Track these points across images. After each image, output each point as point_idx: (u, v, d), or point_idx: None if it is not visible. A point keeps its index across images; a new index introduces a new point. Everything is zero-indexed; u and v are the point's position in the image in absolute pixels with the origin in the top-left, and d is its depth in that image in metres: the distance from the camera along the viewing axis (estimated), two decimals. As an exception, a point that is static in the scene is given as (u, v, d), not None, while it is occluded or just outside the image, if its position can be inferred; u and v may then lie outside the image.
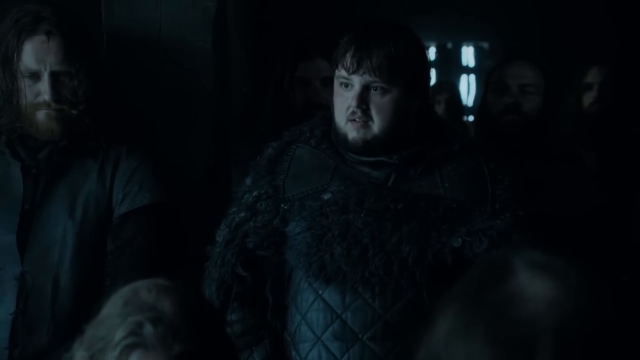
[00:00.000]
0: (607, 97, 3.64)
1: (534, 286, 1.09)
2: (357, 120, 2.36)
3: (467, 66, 7.20)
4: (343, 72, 2.37)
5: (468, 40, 7.17)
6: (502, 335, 1.07)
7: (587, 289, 1.10)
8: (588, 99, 3.65)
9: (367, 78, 2.35)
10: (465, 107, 5.34)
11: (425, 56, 2.46)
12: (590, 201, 3.18)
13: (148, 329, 1.41)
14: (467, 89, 7.01)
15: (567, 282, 1.10)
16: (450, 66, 6.96)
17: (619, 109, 3.62)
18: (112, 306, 1.46)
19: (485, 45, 7.11)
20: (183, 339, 1.42)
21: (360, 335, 2.33)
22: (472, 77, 7.09)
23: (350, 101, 2.36)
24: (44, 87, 2.57)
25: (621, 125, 3.58)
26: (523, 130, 3.26)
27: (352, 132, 2.38)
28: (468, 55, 7.24)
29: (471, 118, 4.45)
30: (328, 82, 3.09)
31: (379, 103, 2.36)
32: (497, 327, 1.08)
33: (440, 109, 4.77)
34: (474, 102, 6.07)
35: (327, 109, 2.80)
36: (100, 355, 1.43)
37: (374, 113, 2.36)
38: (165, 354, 1.41)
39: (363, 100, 2.35)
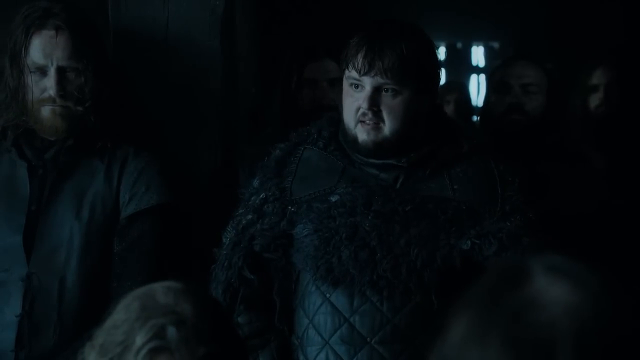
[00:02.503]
0: (614, 99, 3.62)
1: (552, 291, 1.07)
2: (367, 122, 2.34)
3: (477, 66, 7.19)
4: (354, 73, 2.34)
5: (478, 40, 7.16)
6: (520, 341, 1.04)
7: (607, 293, 1.08)
8: (594, 100, 3.63)
9: (379, 80, 2.32)
10: (475, 107, 5.31)
11: (436, 56, 2.44)
12: (595, 199, 3.16)
13: (172, 332, 1.40)
14: (477, 89, 6.99)
15: (587, 286, 1.07)
16: (460, 66, 6.94)
17: (625, 111, 3.59)
18: (127, 310, 1.45)
19: (495, 45, 7.09)
20: (206, 340, 1.41)
21: (368, 339, 2.30)
22: (482, 77, 7.07)
23: (360, 102, 2.34)
24: (49, 82, 2.55)
25: (628, 127, 3.55)
26: (526, 130, 3.24)
27: (362, 134, 2.35)
28: (478, 55, 7.22)
29: (478, 118, 4.43)
30: (336, 83, 3.08)
31: (390, 105, 2.33)
32: (514, 332, 1.05)
33: (449, 109, 4.74)
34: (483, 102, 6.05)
35: (335, 110, 2.78)
36: None
37: (385, 115, 2.34)
38: (190, 356, 1.39)
39: (374, 102, 2.33)
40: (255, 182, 2.48)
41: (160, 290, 1.45)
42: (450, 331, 1.10)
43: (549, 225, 2.39)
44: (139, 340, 1.39)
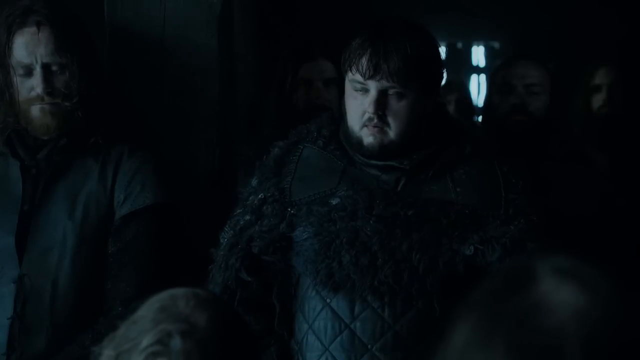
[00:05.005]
0: (617, 99, 3.59)
1: (559, 293, 1.03)
2: (373, 126, 2.29)
3: (477, 66, 7.18)
4: (358, 77, 2.29)
5: (478, 40, 7.15)
6: (525, 346, 1.00)
7: (616, 296, 1.04)
8: (597, 101, 3.61)
9: (384, 83, 2.28)
10: (476, 107, 5.29)
11: (439, 55, 2.39)
12: (598, 202, 3.13)
13: (176, 341, 1.38)
14: (478, 89, 6.98)
15: (595, 289, 1.04)
16: (461, 66, 6.92)
17: (628, 111, 3.57)
18: (148, 309, 1.44)
19: (496, 44, 7.08)
20: (210, 357, 1.38)
21: (369, 346, 2.26)
22: (483, 77, 7.06)
23: (366, 107, 2.29)
24: (36, 80, 2.53)
25: (631, 128, 3.53)
26: (530, 131, 3.22)
27: (368, 137, 2.31)
28: (478, 55, 7.21)
29: (480, 119, 4.41)
30: (331, 83, 3.06)
31: (396, 108, 2.29)
32: (520, 337, 1.01)
33: (450, 109, 4.70)
34: (484, 102, 6.06)
35: (330, 110, 2.73)
36: (125, 356, 1.41)
37: (390, 118, 2.30)
38: None
39: (380, 106, 2.29)
40: (254, 182, 2.44)
41: (184, 296, 1.43)
42: (453, 336, 1.06)
43: (552, 226, 2.35)
44: (145, 341, 1.38)
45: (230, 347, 1.41)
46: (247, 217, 2.38)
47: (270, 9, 4.26)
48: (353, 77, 2.30)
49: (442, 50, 2.42)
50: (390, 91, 2.28)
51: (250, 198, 2.41)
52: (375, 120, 2.29)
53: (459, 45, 7.11)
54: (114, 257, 2.55)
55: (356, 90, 2.31)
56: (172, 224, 2.64)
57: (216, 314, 1.42)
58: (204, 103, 2.90)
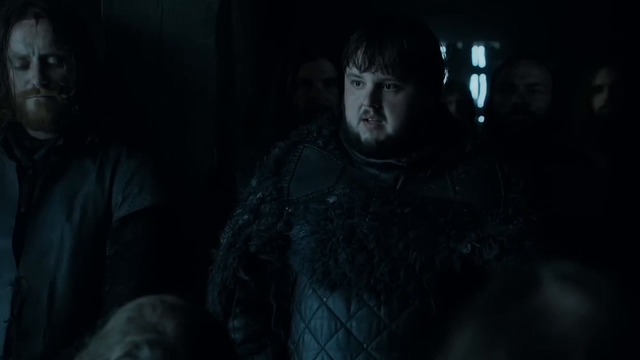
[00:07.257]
0: (618, 100, 3.58)
1: (563, 300, 1.01)
2: (369, 120, 2.28)
3: (477, 66, 7.16)
4: (354, 70, 2.29)
5: (479, 40, 7.13)
6: (529, 353, 0.99)
7: (621, 302, 1.02)
8: (598, 101, 3.60)
9: (380, 75, 2.27)
10: (476, 107, 5.28)
11: (439, 52, 2.38)
12: (600, 202, 3.12)
13: (145, 352, 1.35)
14: (478, 89, 6.97)
15: (600, 295, 1.02)
16: (461, 66, 6.91)
17: (629, 112, 3.56)
18: (117, 321, 1.41)
19: (496, 45, 7.07)
20: None
21: (365, 345, 2.25)
22: (483, 77, 7.06)
23: (362, 100, 2.28)
24: (32, 72, 2.52)
25: (632, 128, 3.52)
26: (532, 130, 3.20)
27: (365, 133, 2.30)
28: (478, 55, 7.19)
29: (482, 119, 4.39)
30: (331, 83, 3.05)
31: (392, 101, 2.28)
32: (523, 345, 0.99)
33: (450, 109, 4.68)
34: (485, 102, 6.06)
35: (330, 110, 2.72)
36: None
37: (387, 112, 2.28)
38: None
39: (376, 98, 2.27)
40: (254, 182, 2.44)
41: (150, 305, 1.40)
42: (454, 342, 1.04)
43: (553, 227, 2.33)
44: (114, 355, 1.36)
45: (201, 353, 1.38)
46: (246, 217, 2.38)
47: (269, 9, 4.25)
48: (350, 71, 2.30)
49: (443, 49, 2.40)
50: (387, 84, 2.27)
51: (250, 198, 2.41)
52: (372, 114, 2.28)
53: (459, 45, 7.09)
54: (112, 260, 2.54)
55: (353, 84, 2.30)
56: (170, 225, 2.62)
57: (185, 320, 1.39)
58: (202, 103, 2.89)
